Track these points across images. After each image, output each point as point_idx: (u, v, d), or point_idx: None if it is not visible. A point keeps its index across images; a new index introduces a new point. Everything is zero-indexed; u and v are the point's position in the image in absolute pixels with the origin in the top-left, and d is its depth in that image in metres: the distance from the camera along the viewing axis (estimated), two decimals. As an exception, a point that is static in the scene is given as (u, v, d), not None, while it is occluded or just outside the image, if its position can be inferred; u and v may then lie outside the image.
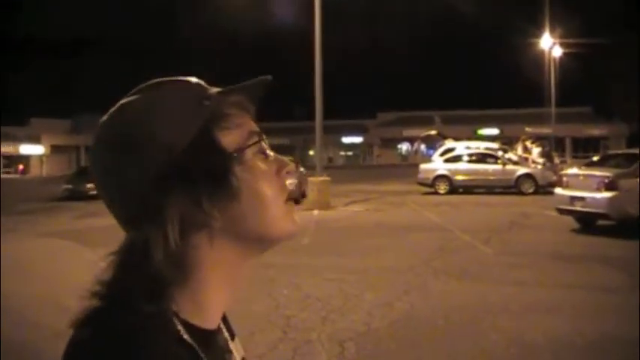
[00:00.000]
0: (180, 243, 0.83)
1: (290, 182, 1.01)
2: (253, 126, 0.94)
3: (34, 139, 67.15)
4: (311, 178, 21.39)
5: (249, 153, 0.90)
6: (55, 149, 69.03)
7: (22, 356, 6.17)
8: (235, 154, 0.88)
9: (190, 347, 0.83)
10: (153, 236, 0.82)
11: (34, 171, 67.21)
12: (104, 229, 17.40)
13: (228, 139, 0.89)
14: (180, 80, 0.93)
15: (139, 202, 0.84)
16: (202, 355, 0.85)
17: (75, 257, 12.15)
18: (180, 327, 0.84)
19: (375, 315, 7.32)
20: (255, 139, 0.92)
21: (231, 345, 1.00)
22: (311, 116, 21.94)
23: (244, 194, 0.88)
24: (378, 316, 7.29)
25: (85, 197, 27.51)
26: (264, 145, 0.94)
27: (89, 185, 28.70)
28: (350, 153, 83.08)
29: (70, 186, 29.25)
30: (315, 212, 19.14)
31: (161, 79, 0.93)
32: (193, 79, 0.94)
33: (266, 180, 0.91)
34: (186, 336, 0.83)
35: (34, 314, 7.65)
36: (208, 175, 0.85)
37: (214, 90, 0.93)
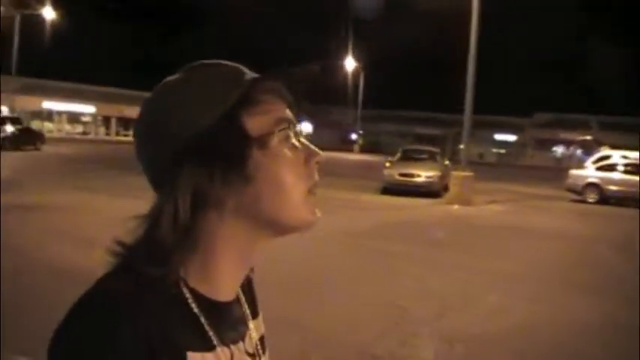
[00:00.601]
0: (191, 215, 0.86)
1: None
2: (285, 113, 0.95)
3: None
4: (454, 172, 21.01)
5: (274, 139, 0.91)
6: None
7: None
8: (259, 139, 0.89)
9: (192, 312, 0.88)
10: (165, 204, 0.87)
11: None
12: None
13: (255, 123, 0.90)
14: (219, 63, 0.96)
15: (160, 172, 0.89)
16: (205, 321, 0.89)
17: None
18: (187, 292, 0.88)
19: (493, 320, 7.10)
20: (284, 126, 0.92)
21: (250, 322, 1.03)
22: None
23: (262, 178, 0.89)
24: (496, 321, 7.06)
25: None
26: (293, 132, 0.95)
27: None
28: (502, 151, 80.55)
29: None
30: (455, 207, 18.85)
31: (203, 61, 0.97)
32: (232, 64, 0.96)
33: (290, 167, 0.91)
34: (190, 300, 0.88)
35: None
36: (224, 156, 0.87)
37: (252, 75, 0.94)
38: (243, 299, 1.03)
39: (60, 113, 63.09)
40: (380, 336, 6.18)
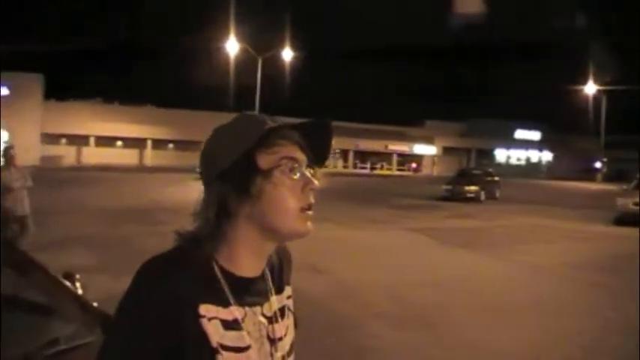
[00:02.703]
0: (217, 219, 1.29)
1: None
2: (291, 153, 1.31)
3: (428, 140, 71.66)
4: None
5: (277, 172, 1.29)
6: (446, 151, 72.68)
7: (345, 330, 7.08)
8: (264, 171, 1.29)
9: (216, 280, 1.30)
10: (201, 211, 1.36)
11: (426, 170, 71.76)
12: (465, 231, 18.24)
13: (264, 160, 1.29)
14: (252, 115, 1.43)
15: (205, 188, 1.39)
16: (225, 286, 1.29)
17: (423, 252, 13.17)
18: (215, 267, 1.30)
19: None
20: (286, 162, 1.30)
21: (273, 295, 1.41)
22: None
23: (265, 199, 1.28)
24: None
25: (461, 199, 28.89)
26: (294, 167, 1.31)
27: (467, 188, 30.04)
28: None
29: (449, 187, 30.79)
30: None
31: (243, 113, 1.45)
32: (260, 116, 1.41)
33: (287, 192, 1.29)
34: (217, 272, 1.30)
35: (364, 295, 8.69)
36: (237, 182, 1.29)
37: (272, 125, 1.32)
38: (269, 277, 1.40)
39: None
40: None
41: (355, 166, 70.27)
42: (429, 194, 31.77)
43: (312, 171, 1.35)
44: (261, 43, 49.76)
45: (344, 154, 71.01)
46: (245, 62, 49.69)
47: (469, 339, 6.77)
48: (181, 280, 1.25)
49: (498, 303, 8.55)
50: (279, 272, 1.46)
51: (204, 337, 1.24)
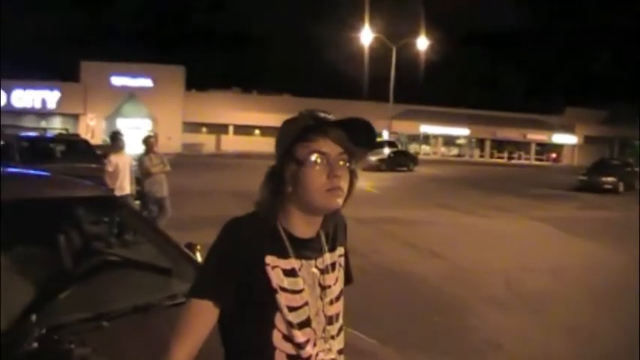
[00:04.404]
0: (271, 193, 1.78)
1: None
2: (321, 147, 1.69)
3: (568, 129, 68.68)
4: None
5: (307, 161, 1.68)
6: (588, 140, 69.32)
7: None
8: (298, 160, 1.69)
9: (280, 236, 1.73)
10: (264, 186, 1.80)
11: (566, 160, 68.84)
12: (594, 222, 17.71)
13: (302, 151, 1.69)
14: (302, 113, 1.76)
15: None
16: (287, 242, 1.72)
17: (545, 240, 13.06)
18: (280, 227, 1.74)
19: None
20: (315, 154, 1.68)
21: (326, 252, 1.82)
22: None
23: (300, 182, 1.69)
24: None
25: (598, 190, 27.82)
26: (322, 157, 1.69)
27: (604, 179, 28.87)
28: None
29: (584, 177, 29.70)
30: None
31: (301, 111, 1.86)
32: (309, 115, 1.73)
33: (314, 177, 1.68)
34: (280, 231, 1.74)
35: (477, 278, 8.88)
36: (282, 167, 1.72)
37: (310, 123, 1.70)
38: (323, 239, 1.82)
39: (435, 137, 67.10)
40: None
41: (492, 156, 68.70)
42: (564, 185, 30.73)
43: (345, 159, 1.72)
44: (394, 31, 49.90)
45: (480, 143, 69.63)
46: (379, 51, 50.03)
47: (570, 325, 6.86)
48: (252, 235, 1.71)
49: (613, 294, 8.49)
50: (333, 235, 1.87)
51: (267, 280, 1.70)
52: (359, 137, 1.73)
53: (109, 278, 3.04)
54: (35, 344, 2.22)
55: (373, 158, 36.06)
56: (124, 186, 9.74)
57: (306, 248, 1.76)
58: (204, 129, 60.16)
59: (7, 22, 61.26)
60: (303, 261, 1.75)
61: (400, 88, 50.92)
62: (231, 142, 59.77)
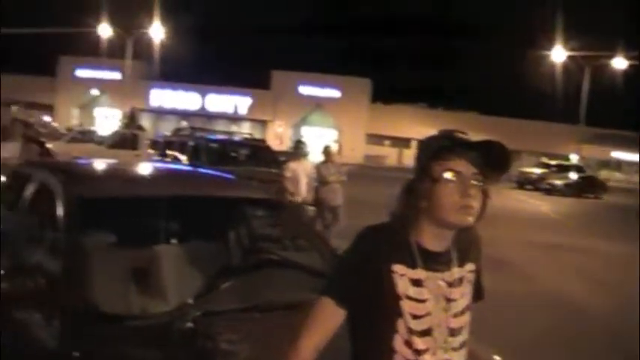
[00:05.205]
0: (406, 207, 1.88)
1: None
2: (456, 166, 1.77)
3: None
4: None
5: (442, 179, 1.78)
6: None
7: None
8: (434, 178, 1.78)
9: (410, 248, 1.83)
10: (400, 199, 1.93)
11: None
12: None
13: (437, 169, 1.78)
14: (437, 135, 1.93)
15: None
16: (416, 254, 1.81)
17: None
18: (411, 239, 1.83)
19: None
20: (449, 173, 1.77)
21: (455, 267, 1.88)
22: None
23: (434, 198, 1.78)
24: None
25: None
26: (456, 176, 1.78)
27: None
28: None
29: None
30: None
31: (441, 130, 1.98)
32: (445, 135, 1.89)
33: (447, 195, 1.77)
34: (412, 242, 1.83)
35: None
36: (418, 183, 1.83)
37: (446, 143, 1.81)
38: (454, 253, 1.88)
39: (630, 164, 62.58)
40: None
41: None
42: None
43: (478, 179, 1.79)
44: (587, 48, 47.22)
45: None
46: (571, 69, 47.65)
47: None
48: (384, 243, 1.84)
49: None
50: (464, 251, 1.93)
51: (393, 287, 1.81)
52: (494, 160, 1.79)
53: (267, 275, 3.28)
54: (190, 324, 2.50)
55: (559, 182, 34.63)
56: (301, 192, 10.17)
57: (435, 261, 1.84)
58: (387, 142, 60.77)
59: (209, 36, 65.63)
60: (431, 273, 1.83)
61: (592, 110, 48.11)
62: (413, 157, 59.58)
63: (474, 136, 1.83)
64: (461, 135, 1.81)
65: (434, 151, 1.80)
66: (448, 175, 1.77)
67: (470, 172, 1.78)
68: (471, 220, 1.79)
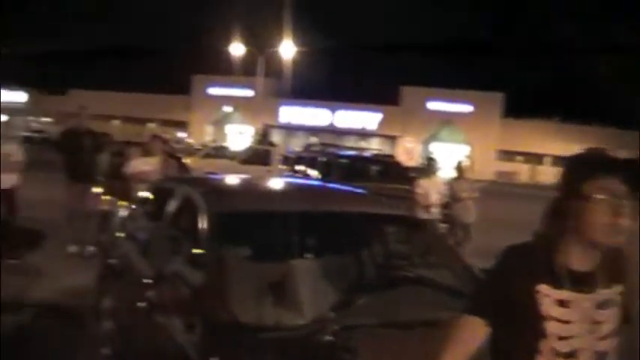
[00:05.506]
0: (551, 226, 1.84)
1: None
2: (607, 184, 1.73)
3: None
4: None
5: (592, 197, 1.74)
6: None
7: None
8: (583, 197, 1.75)
9: (554, 268, 1.82)
10: (545, 218, 1.87)
11: None
12: None
13: (588, 188, 1.75)
14: (590, 152, 1.89)
15: None
16: (560, 274, 1.78)
17: None
18: (555, 259, 1.80)
19: None
20: (600, 191, 1.73)
21: (600, 289, 1.81)
22: None
23: (583, 215, 1.74)
24: None
25: None
26: (608, 195, 1.73)
27: None
28: None
29: None
30: None
31: (591, 148, 1.93)
32: (596, 152, 1.87)
33: (597, 213, 1.73)
34: (556, 263, 1.80)
35: None
36: (567, 201, 1.81)
37: (601, 161, 1.82)
38: (600, 273, 1.81)
39: None
40: None
41: None
42: None
43: (630, 198, 1.73)
44: None
45: None
46: None
47: None
48: (527, 263, 1.83)
49: None
50: (611, 271, 1.85)
51: (537, 307, 1.78)
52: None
53: (404, 292, 3.27)
54: (330, 337, 2.52)
55: None
56: (432, 209, 10.05)
57: (581, 282, 1.80)
58: (518, 158, 58.99)
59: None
60: (576, 294, 1.79)
61: None
62: (547, 174, 57.57)
63: (617, 154, 1.78)
64: (612, 154, 1.79)
65: (586, 169, 1.76)
66: (600, 194, 1.72)
67: (621, 191, 1.73)
68: (621, 239, 1.74)
